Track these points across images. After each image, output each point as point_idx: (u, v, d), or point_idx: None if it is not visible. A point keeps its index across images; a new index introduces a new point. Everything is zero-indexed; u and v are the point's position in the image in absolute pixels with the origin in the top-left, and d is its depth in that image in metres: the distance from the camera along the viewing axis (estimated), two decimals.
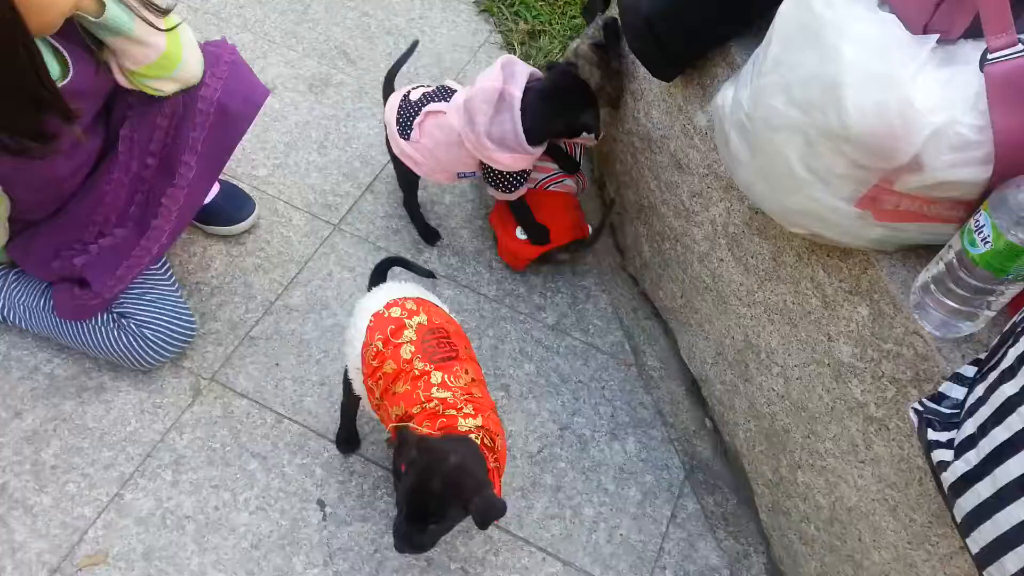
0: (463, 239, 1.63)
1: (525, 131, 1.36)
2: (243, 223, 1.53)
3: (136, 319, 1.29)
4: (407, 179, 1.54)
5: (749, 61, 1.08)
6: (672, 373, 1.52)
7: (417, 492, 0.98)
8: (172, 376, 1.36)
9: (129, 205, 1.28)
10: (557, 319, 1.56)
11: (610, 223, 1.70)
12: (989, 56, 0.83)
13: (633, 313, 1.61)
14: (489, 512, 1.00)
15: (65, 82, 1.09)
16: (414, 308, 1.09)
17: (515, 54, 1.98)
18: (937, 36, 0.87)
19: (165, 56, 1.17)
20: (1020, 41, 0.83)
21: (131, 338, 1.28)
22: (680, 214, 1.44)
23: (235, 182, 1.57)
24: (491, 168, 1.44)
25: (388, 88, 1.55)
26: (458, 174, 1.49)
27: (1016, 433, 0.75)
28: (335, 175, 1.67)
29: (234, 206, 1.52)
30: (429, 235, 1.60)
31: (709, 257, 1.37)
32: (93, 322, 1.29)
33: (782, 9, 0.97)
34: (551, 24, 2.05)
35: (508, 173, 1.43)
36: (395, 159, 1.51)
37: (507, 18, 2.07)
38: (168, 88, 1.22)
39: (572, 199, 1.60)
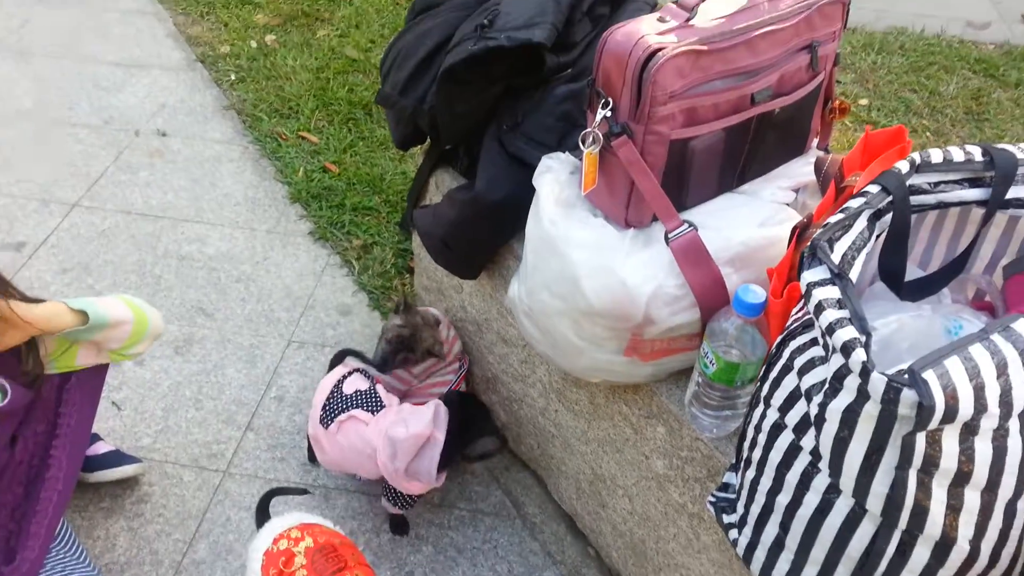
0: None
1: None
2: (128, 467, 1.66)
3: None
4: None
5: (523, 261, 1.37)
6: (551, 515, 1.73)
7: None
8: None
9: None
10: (442, 496, 1.75)
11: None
12: (669, 236, 1.15)
13: (506, 471, 1.82)
14: None
15: (2, 405, 1.26)
16: (299, 535, 1.27)
17: (354, 270, 2.25)
18: (633, 229, 1.18)
19: (137, 322, 1.33)
20: (685, 221, 1.15)
21: None
22: (517, 379, 1.69)
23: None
24: (392, 489, 1.60)
25: (337, 360, 1.73)
26: (355, 475, 1.66)
27: (763, 508, 1.00)
28: (215, 424, 1.84)
29: (118, 457, 1.68)
30: (314, 456, 1.78)
31: (547, 410, 1.62)
32: None
33: (527, 229, 1.27)
34: (380, 236, 2.34)
35: (406, 494, 1.60)
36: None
37: (341, 239, 2.35)
38: (144, 348, 1.38)
39: None
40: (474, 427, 1.61)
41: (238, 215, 2.38)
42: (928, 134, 2.75)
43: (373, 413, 1.57)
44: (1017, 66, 3.13)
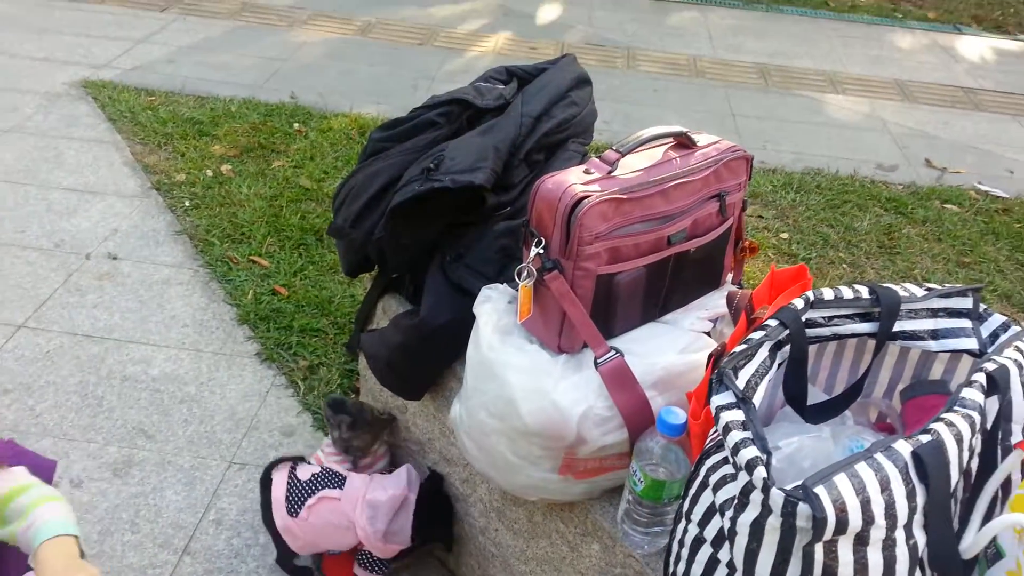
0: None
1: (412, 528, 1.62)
2: None
3: None
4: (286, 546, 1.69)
5: (463, 383, 1.44)
6: None
7: None
8: None
9: None
10: None
11: None
12: (598, 361, 1.24)
13: None
14: None
15: None
16: None
17: (299, 390, 2.29)
18: (565, 355, 1.27)
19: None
20: (612, 348, 1.25)
21: None
22: (458, 499, 1.73)
23: None
24: (367, 555, 1.67)
25: (268, 472, 1.72)
26: (328, 551, 1.69)
27: None
28: (151, 548, 1.81)
29: None
30: (284, 554, 1.73)
31: (487, 529, 1.65)
32: None
33: (468, 353, 1.36)
34: (327, 357, 2.40)
35: (381, 559, 1.66)
36: (275, 533, 1.67)
37: (288, 360, 2.39)
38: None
39: None
40: (439, 509, 1.72)
41: (185, 337, 2.42)
42: (844, 266, 2.97)
43: (341, 488, 1.64)
44: (923, 204, 3.43)
